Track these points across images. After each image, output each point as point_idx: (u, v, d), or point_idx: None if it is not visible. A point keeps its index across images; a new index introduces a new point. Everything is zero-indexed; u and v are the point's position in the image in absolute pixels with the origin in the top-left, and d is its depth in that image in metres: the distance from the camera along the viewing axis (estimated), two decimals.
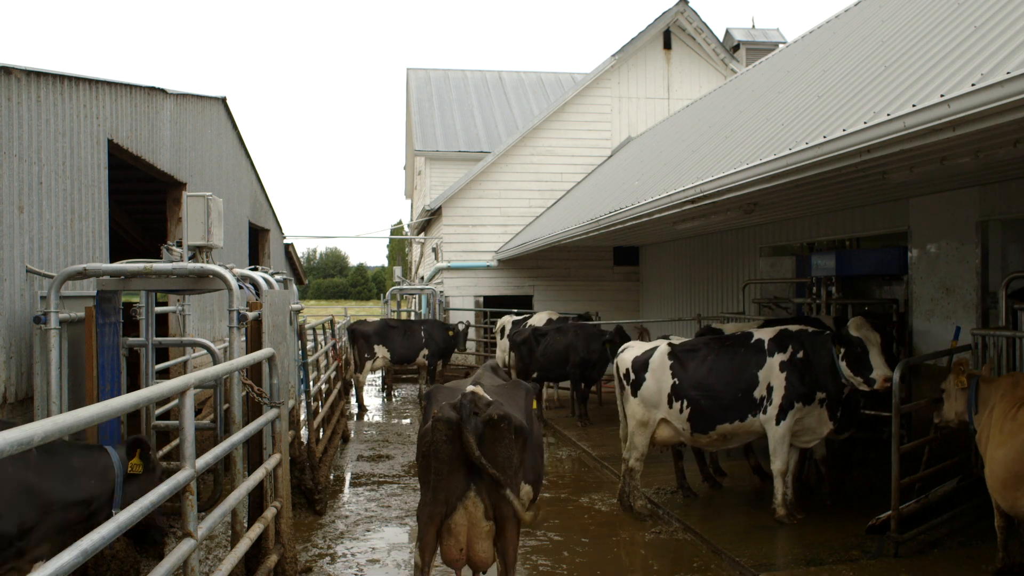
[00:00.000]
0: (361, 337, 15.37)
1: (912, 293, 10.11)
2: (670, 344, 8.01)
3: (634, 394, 7.97)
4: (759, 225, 13.59)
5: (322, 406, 10.79)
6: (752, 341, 7.67)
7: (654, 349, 8.04)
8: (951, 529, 6.91)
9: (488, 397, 4.70)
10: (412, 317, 21.72)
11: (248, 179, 15.09)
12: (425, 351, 15.90)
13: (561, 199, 20.71)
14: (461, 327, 16.82)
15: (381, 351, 15.47)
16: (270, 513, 5.60)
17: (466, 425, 4.44)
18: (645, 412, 7.90)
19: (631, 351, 8.24)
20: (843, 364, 7.13)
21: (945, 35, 6.00)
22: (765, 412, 7.40)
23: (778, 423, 7.33)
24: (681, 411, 7.66)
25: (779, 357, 7.42)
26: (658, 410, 7.82)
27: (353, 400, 15.53)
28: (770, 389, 7.39)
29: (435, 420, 4.54)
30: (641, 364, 7.99)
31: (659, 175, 11.38)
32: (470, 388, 4.74)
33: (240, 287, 6.06)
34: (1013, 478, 5.29)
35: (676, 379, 7.72)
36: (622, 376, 8.15)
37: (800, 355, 7.34)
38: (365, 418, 14.65)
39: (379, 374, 16.00)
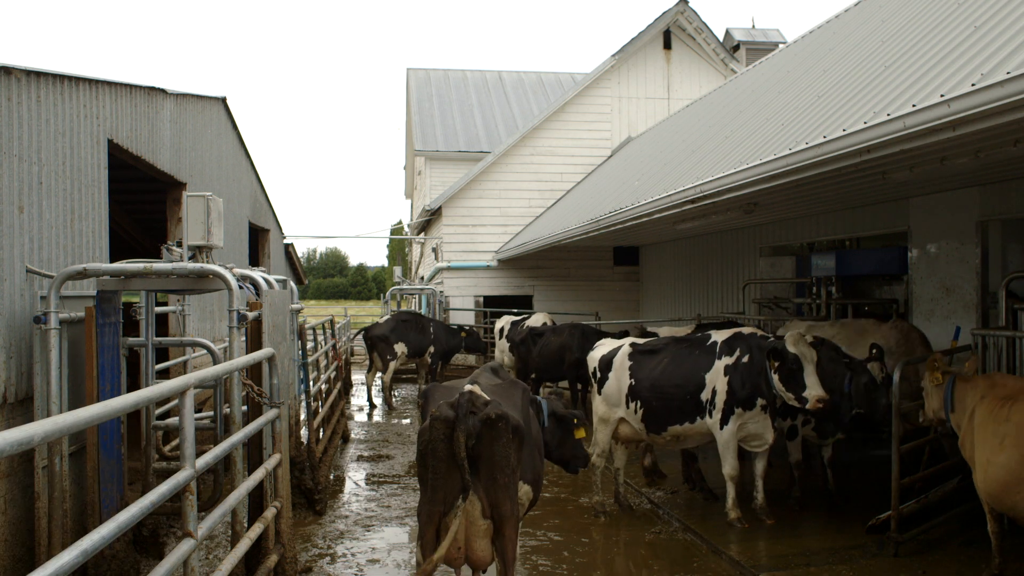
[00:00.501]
0: (380, 341, 15.72)
1: (912, 293, 10.11)
2: (632, 344, 8.02)
3: (599, 392, 8.02)
4: (759, 225, 13.60)
5: (322, 406, 10.79)
6: (707, 343, 7.61)
7: (619, 348, 8.07)
8: (951, 529, 6.91)
9: (486, 396, 4.69)
10: None
11: (248, 179, 15.09)
12: (431, 348, 16.30)
13: (561, 199, 20.72)
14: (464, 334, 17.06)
15: (400, 348, 15.95)
16: (270, 513, 5.59)
17: (459, 425, 4.43)
18: (607, 410, 7.95)
19: (599, 350, 8.29)
20: (775, 378, 7.01)
21: (945, 35, 6.00)
22: (711, 416, 7.33)
23: (722, 427, 7.28)
24: (636, 411, 7.68)
25: (725, 360, 7.33)
26: (618, 409, 7.85)
27: (377, 401, 16.18)
28: (714, 392, 7.33)
29: (432, 419, 4.54)
30: (606, 363, 8.03)
31: (659, 175, 11.38)
32: (468, 387, 4.73)
33: (240, 287, 6.06)
34: (1015, 481, 5.15)
35: (633, 379, 7.71)
36: (590, 374, 8.24)
37: (746, 360, 7.21)
38: (364, 418, 14.67)
39: (378, 375, 16.19)
